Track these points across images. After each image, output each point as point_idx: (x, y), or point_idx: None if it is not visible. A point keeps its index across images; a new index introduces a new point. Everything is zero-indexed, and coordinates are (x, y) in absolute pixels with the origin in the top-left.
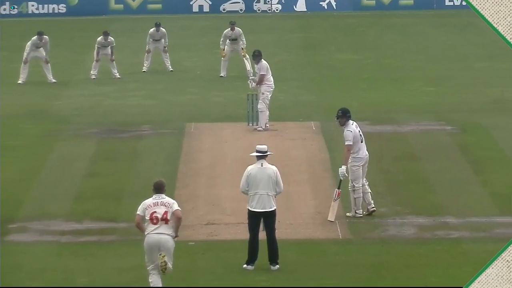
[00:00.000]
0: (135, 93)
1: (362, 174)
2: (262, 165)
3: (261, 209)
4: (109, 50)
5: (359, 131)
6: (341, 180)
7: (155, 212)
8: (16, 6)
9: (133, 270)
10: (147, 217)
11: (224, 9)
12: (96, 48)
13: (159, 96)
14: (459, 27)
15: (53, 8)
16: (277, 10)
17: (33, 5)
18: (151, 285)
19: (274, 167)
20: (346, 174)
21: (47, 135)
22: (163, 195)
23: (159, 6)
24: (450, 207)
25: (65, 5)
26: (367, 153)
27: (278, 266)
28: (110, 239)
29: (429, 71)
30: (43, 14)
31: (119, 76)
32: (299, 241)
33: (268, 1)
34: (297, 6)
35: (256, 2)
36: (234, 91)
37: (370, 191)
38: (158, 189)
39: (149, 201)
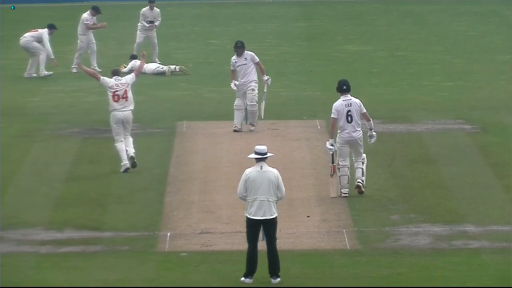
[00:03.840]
0: None
1: (354, 154)
2: (261, 168)
3: (261, 216)
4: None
5: (349, 110)
6: (332, 154)
7: (116, 91)
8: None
9: (120, 283)
10: (110, 95)
11: None
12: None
13: (147, 92)
14: (481, 16)
15: None
16: None
17: None
18: (119, 148)
19: (275, 170)
20: (333, 148)
21: (23, 136)
22: (120, 77)
23: None
24: (469, 215)
25: None
26: (354, 136)
27: (279, 279)
28: (94, 250)
29: (447, 64)
30: (18, 0)
31: None
32: (302, 252)
33: None
34: None
35: None
36: (229, 86)
37: (362, 167)
38: (116, 72)
39: (111, 81)
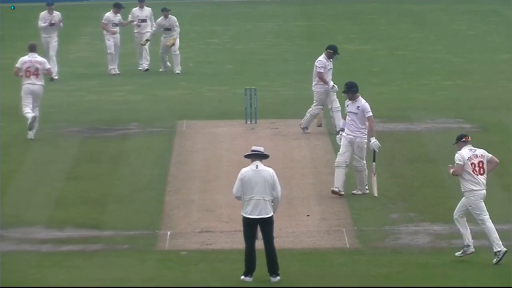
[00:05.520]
0: (120, 88)
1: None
2: (257, 167)
3: (257, 215)
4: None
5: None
6: (374, 153)
7: (29, 66)
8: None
9: (120, 282)
10: (23, 71)
11: None
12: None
13: (147, 91)
14: (481, 15)
15: None
16: None
17: None
18: (28, 116)
19: (270, 169)
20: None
21: (23, 135)
22: (36, 54)
23: None
24: (469, 214)
25: None
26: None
27: (279, 277)
28: (94, 249)
29: (447, 63)
30: (15, 0)
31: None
32: (302, 251)
33: None
34: None
35: None
36: (229, 86)
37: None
38: (32, 48)
39: (25, 58)
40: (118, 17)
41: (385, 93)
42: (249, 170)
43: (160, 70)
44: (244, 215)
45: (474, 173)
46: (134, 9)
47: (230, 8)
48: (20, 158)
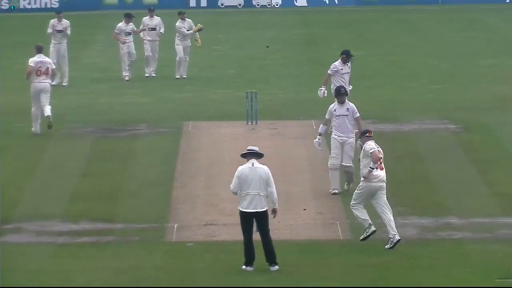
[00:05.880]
0: (130, 91)
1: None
2: (253, 165)
3: (253, 209)
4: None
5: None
6: None
7: (40, 66)
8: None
9: (131, 270)
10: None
11: (222, 4)
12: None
13: (155, 94)
14: (465, 23)
15: (45, 3)
16: (277, 5)
17: (24, 0)
18: (36, 117)
19: (265, 167)
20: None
21: (41, 135)
22: (43, 55)
23: (155, 0)
24: (453, 208)
25: (57, 0)
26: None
27: (277, 266)
28: (107, 240)
29: (434, 68)
30: (35, 9)
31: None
32: (299, 242)
33: None
34: (297, 1)
35: None
36: (232, 89)
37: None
38: (40, 49)
39: (36, 58)
40: (130, 26)
41: (376, 96)
42: (245, 167)
43: (177, 77)
44: (241, 209)
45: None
46: (144, 18)
47: (232, 17)
48: (38, 156)
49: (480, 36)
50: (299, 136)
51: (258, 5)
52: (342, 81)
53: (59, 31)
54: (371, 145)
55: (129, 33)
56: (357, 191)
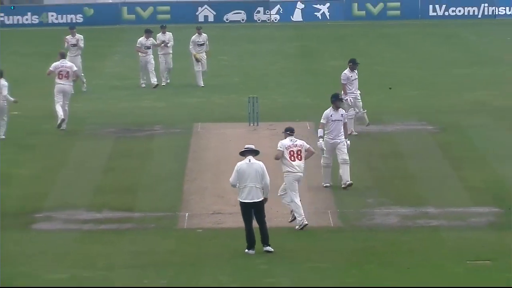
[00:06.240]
0: (147, 97)
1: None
2: (250, 161)
3: (250, 199)
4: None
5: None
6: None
7: (61, 70)
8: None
9: (147, 254)
10: (57, 73)
11: (227, 19)
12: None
13: (169, 99)
14: (443, 37)
15: (71, 18)
16: (275, 20)
17: (52, 15)
18: (59, 114)
19: (260, 163)
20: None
21: (69, 135)
22: (66, 60)
23: (167, 16)
24: (430, 199)
25: (82, 15)
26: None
27: (270, 247)
28: (126, 227)
29: (414, 76)
30: (62, 24)
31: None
32: (294, 229)
33: (267, 12)
34: (294, 16)
35: (256, 13)
36: (236, 94)
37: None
38: (62, 55)
39: (58, 63)
40: (150, 41)
41: (364, 101)
42: (243, 163)
43: (202, 85)
44: (240, 200)
45: (291, 159)
46: (158, 34)
47: (236, 31)
48: (66, 154)
49: (455, 48)
50: (295, 135)
51: (259, 20)
52: (351, 87)
53: (74, 45)
54: (281, 143)
55: (148, 47)
56: (284, 183)
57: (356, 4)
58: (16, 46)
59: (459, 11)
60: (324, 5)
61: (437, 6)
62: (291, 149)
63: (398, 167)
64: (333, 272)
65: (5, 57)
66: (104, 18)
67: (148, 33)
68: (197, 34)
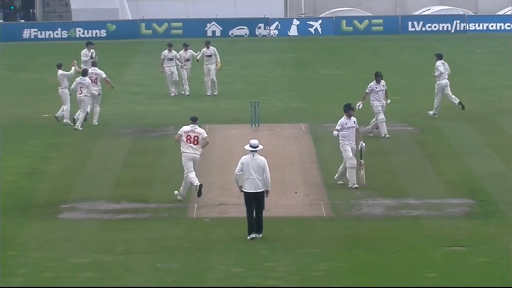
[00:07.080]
0: (161, 101)
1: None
2: (253, 156)
3: (253, 190)
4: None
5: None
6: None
7: (91, 77)
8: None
9: (161, 240)
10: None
11: (232, 34)
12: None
13: (181, 103)
14: (419, 49)
15: (96, 33)
16: (274, 34)
17: (79, 30)
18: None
19: (263, 158)
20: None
21: (92, 134)
22: (97, 68)
23: (180, 31)
24: (411, 191)
25: (105, 31)
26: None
27: (261, 234)
28: (143, 217)
29: (395, 83)
30: (88, 38)
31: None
32: (291, 218)
33: (267, 28)
34: (290, 31)
35: (257, 28)
36: (239, 99)
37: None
38: (94, 63)
39: (90, 69)
40: (172, 53)
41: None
42: (247, 157)
43: (208, 94)
44: (244, 190)
45: (188, 142)
46: (180, 52)
47: (240, 44)
48: (89, 151)
49: (431, 59)
50: (291, 136)
51: (260, 34)
52: (377, 98)
53: (91, 58)
54: (183, 128)
55: (171, 59)
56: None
57: (344, 21)
58: (49, 57)
59: (435, 26)
60: (316, 21)
61: (415, 22)
62: (189, 134)
63: (382, 163)
64: (325, 256)
65: (41, 67)
66: (125, 33)
67: (170, 46)
68: (205, 48)
